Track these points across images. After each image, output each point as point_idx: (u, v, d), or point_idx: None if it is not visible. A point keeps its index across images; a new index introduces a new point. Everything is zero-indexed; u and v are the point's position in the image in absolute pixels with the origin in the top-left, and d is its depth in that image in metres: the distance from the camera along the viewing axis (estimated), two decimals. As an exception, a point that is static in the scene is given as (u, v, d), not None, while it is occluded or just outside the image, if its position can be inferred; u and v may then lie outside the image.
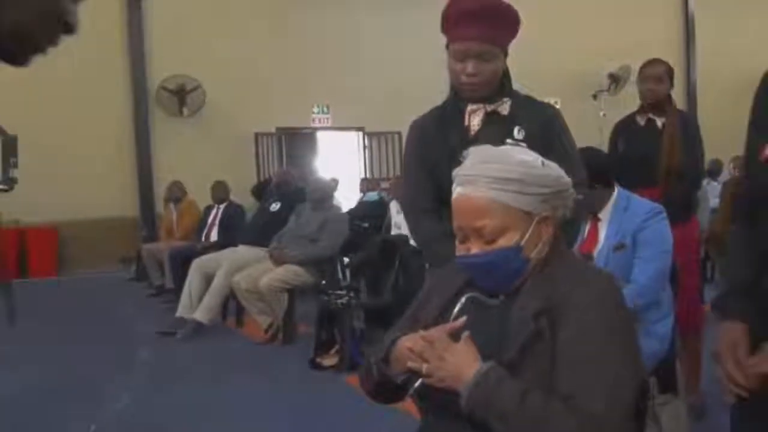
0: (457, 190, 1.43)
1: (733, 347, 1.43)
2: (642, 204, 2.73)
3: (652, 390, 3.26)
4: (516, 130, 2.19)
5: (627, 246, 2.66)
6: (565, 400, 1.24)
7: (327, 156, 11.46)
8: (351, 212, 7.41)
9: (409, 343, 1.40)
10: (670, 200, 3.13)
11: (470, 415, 1.30)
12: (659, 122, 3.47)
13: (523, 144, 2.15)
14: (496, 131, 2.19)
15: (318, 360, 4.63)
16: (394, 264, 4.96)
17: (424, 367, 1.37)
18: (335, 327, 4.77)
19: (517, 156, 1.41)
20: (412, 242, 6.09)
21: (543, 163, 1.42)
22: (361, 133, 11.70)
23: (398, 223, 7.30)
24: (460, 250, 1.45)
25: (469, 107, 2.22)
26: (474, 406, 1.29)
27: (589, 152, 2.80)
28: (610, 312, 1.32)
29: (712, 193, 7.23)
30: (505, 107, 2.22)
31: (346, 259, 5.14)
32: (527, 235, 1.39)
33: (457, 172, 1.43)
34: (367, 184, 9.86)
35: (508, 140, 2.16)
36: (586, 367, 1.25)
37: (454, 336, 1.39)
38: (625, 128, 3.56)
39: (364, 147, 11.70)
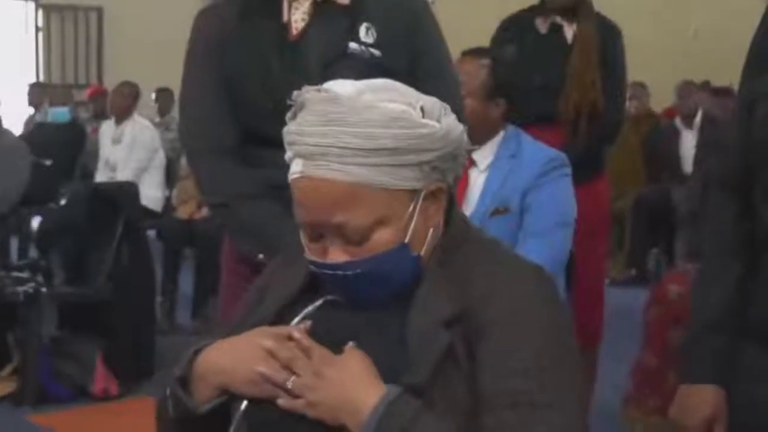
0: (295, 167, 1.47)
1: (702, 424, 1.67)
2: (537, 150, 2.97)
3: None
4: (363, 28, 2.30)
5: (511, 210, 2.88)
6: None
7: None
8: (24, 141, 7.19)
9: (269, 341, 1.47)
10: (576, 150, 3.46)
11: None
12: (569, 31, 3.77)
13: (376, 51, 2.28)
14: (330, 31, 2.28)
15: (-18, 387, 4.59)
16: (112, 230, 4.94)
17: (291, 381, 1.44)
18: (11, 333, 4.73)
19: (382, 107, 1.45)
20: (144, 196, 6.13)
21: (422, 110, 1.48)
22: (31, 4, 11.26)
23: (112, 160, 7.18)
24: (311, 250, 1.52)
25: None
26: None
27: (494, 53, 3.00)
28: (550, 321, 1.47)
29: (685, 144, 7.89)
30: None
31: (34, 222, 5.04)
32: (413, 224, 1.48)
33: (290, 137, 1.48)
34: (43, 94, 9.53)
35: (352, 45, 2.28)
36: (533, 404, 1.38)
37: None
38: (516, 33, 3.82)
39: (38, 29, 11.27)
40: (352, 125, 1.43)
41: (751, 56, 1.76)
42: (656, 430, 3.52)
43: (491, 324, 1.44)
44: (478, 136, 2.89)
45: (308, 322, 1.52)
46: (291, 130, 1.48)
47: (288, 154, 1.50)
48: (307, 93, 1.48)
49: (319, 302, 1.56)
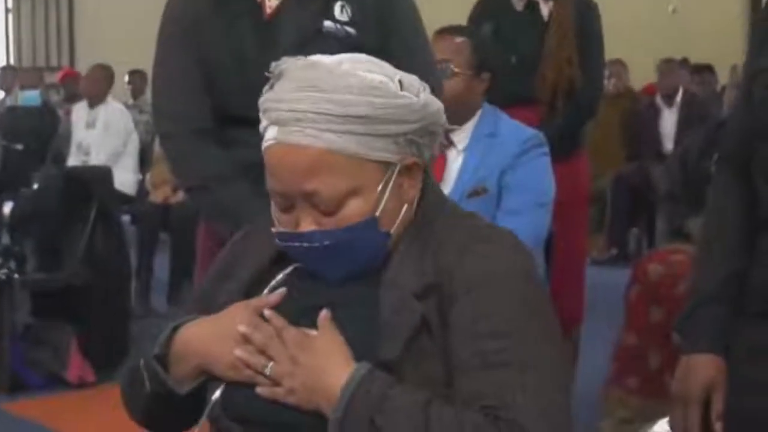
0: (269, 134, 1.48)
1: (700, 392, 1.68)
2: (515, 129, 2.96)
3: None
4: (338, 7, 2.31)
5: (489, 191, 2.88)
6: (483, 411, 1.36)
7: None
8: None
9: (243, 325, 1.47)
10: (553, 128, 3.48)
11: None
12: (545, 8, 3.78)
13: (351, 29, 2.30)
14: (305, 10, 2.29)
15: (-45, 376, 4.55)
16: (85, 215, 4.93)
17: (270, 367, 1.44)
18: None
19: (361, 75, 1.47)
20: (118, 180, 6.10)
21: (401, 83, 1.49)
22: (1, -13, 11.22)
23: (85, 144, 7.14)
24: (282, 222, 1.52)
25: None
26: (352, 429, 1.37)
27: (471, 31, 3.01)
28: (524, 286, 1.47)
29: (665, 122, 7.95)
30: None
31: (5, 208, 5.01)
32: (385, 197, 1.48)
33: (266, 104, 1.48)
34: (15, 77, 9.48)
35: (327, 23, 2.30)
36: (506, 366, 1.38)
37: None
38: (492, 11, 3.83)
39: (7, 11, 11.22)
40: (329, 91, 1.44)
41: (753, 36, 1.76)
42: (637, 411, 3.53)
43: (463, 290, 1.45)
44: (461, 113, 2.89)
45: (282, 290, 1.53)
46: (267, 97, 1.48)
47: (263, 123, 1.49)
48: (285, 63, 1.49)
49: (288, 269, 1.56)
